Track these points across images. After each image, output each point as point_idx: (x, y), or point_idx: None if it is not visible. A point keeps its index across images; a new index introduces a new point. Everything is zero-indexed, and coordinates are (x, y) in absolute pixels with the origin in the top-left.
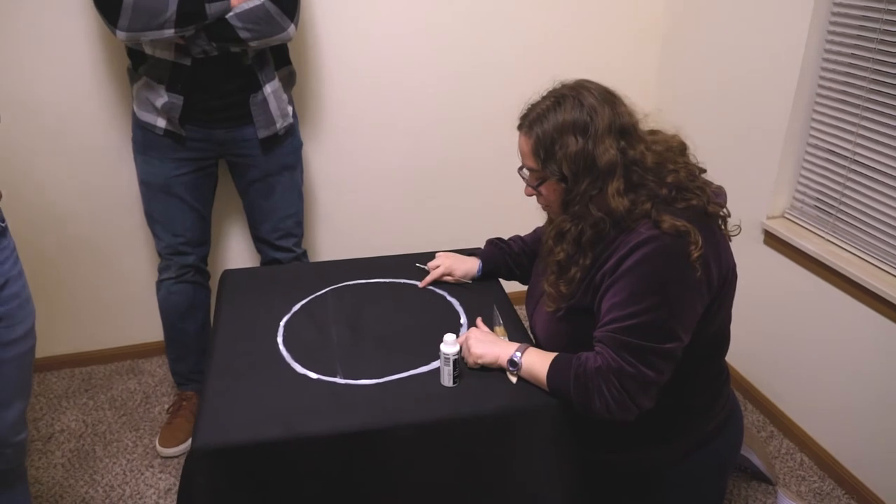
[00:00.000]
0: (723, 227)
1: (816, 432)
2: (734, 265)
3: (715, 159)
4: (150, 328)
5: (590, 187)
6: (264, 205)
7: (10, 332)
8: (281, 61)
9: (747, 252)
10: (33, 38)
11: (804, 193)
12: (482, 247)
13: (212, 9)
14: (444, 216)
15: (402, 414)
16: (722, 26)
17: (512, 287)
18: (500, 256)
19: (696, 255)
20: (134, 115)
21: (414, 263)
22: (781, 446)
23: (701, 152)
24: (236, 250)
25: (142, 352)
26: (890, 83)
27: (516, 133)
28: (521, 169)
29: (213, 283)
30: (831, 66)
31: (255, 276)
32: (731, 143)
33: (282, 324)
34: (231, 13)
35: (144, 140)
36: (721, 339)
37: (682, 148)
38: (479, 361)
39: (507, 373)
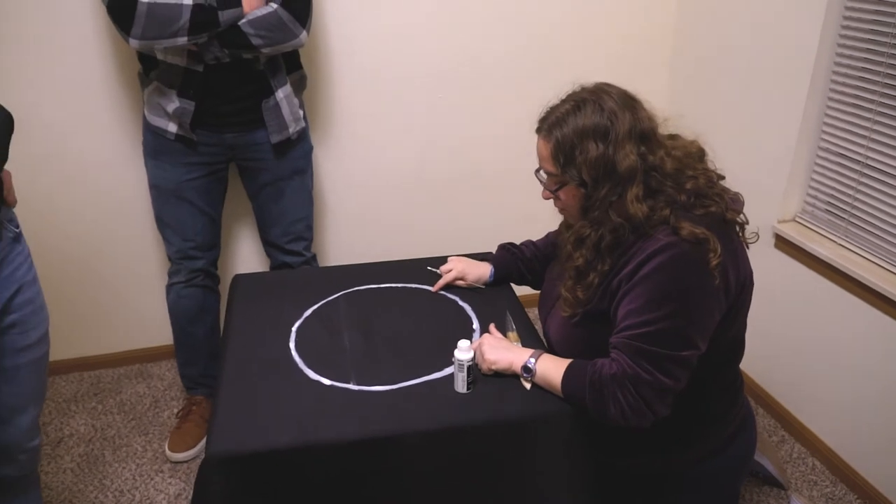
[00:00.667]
0: (740, 234)
1: (828, 437)
2: (751, 272)
3: (726, 163)
4: (160, 332)
5: (609, 193)
6: (274, 209)
7: (24, 337)
8: (292, 66)
9: (758, 256)
10: (42, 42)
11: (815, 197)
12: (493, 252)
13: (224, 16)
14: (454, 221)
15: (417, 421)
16: (733, 30)
17: (522, 290)
18: (513, 262)
19: (714, 262)
20: (145, 119)
21: (426, 267)
22: (793, 451)
23: (711, 156)
24: (246, 254)
25: (151, 356)
26: None
27: (527, 139)
28: (538, 171)
29: (223, 287)
30: (843, 70)
31: (266, 281)
32: (743, 146)
33: (294, 329)
34: (244, 20)
35: (155, 144)
36: (737, 346)
37: (700, 154)
38: (493, 368)
39: (521, 379)
